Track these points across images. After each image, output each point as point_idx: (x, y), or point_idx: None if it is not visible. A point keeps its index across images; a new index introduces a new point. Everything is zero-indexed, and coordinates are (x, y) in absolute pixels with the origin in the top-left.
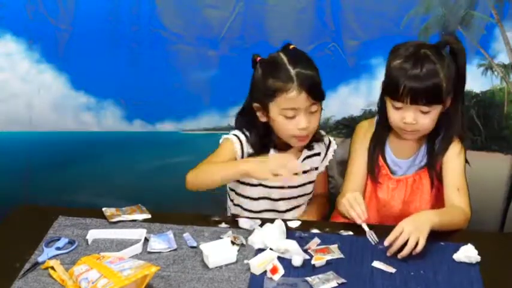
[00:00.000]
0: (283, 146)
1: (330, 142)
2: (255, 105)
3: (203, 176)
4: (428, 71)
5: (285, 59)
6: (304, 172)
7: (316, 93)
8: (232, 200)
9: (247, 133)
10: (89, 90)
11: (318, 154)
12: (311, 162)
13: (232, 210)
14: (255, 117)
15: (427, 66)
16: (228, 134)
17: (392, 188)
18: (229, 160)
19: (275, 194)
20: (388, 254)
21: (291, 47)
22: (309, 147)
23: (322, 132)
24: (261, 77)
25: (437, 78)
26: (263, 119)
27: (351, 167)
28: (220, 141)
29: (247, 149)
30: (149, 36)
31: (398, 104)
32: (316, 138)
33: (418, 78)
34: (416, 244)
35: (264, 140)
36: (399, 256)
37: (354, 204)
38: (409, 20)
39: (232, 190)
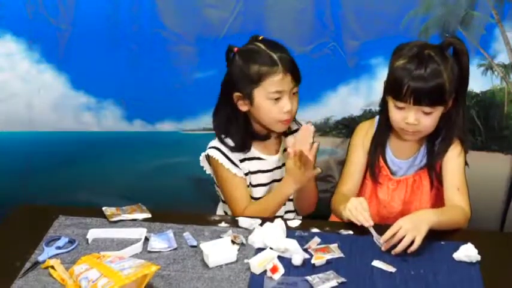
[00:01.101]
0: (262, 138)
1: None
2: (236, 94)
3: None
4: (432, 71)
5: (262, 46)
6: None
7: (297, 76)
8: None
9: (226, 135)
10: (89, 90)
11: None
12: None
13: (224, 208)
14: (234, 111)
15: (431, 66)
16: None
17: (392, 189)
18: (238, 177)
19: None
20: (383, 249)
21: (260, 37)
22: (287, 134)
23: (302, 123)
24: (242, 65)
25: (441, 79)
26: (244, 108)
27: (348, 167)
28: (202, 163)
29: (230, 155)
30: (149, 36)
31: (401, 104)
32: (297, 128)
33: (422, 79)
34: (412, 243)
35: (246, 133)
36: (392, 252)
37: (360, 210)
38: (409, 20)
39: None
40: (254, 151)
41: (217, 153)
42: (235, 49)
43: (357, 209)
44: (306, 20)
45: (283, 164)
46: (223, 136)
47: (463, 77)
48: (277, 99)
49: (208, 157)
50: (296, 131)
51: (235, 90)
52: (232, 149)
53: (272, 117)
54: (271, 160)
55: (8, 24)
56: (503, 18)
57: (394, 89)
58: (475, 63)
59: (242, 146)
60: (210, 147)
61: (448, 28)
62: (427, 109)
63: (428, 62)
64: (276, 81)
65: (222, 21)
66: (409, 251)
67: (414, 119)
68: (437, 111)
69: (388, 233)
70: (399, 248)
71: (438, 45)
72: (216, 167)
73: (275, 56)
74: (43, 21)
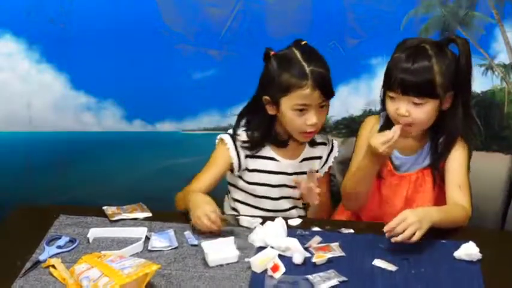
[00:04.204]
0: (280, 143)
1: (332, 148)
2: (265, 98)
3: (179, 203)
4: (420, 64)
5: (298, 54)
6: (303, 173)
7: (328, 92)
8: (229, 193)
9: (247, 128)
10: (89, 90)
11: (319, 158)
12: (311, 165)
13: (232, 204)
14: (262, 110)
15: (420, 60)
16: (225, 132)
17: (395, 185)
18: (222, 164)
19: (275, 193)
20: (386, 235)
21: (303, 42)
22: (312, 144)
23: (329, 137)
24: (275, 71)
25: (429, 72)
26: (272, 112)
27: (353, 161)
28: (216, 141)
29: (242, 149)
30: (149, 36)
31: (392, 94)
32: (323, 142)
33: (408, 71)
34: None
35: (265, 134)
36: (392, 240)
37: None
38: (409, 20)
39: (233, 185)
40: (269, 151)
41: (229, 139)
42: (272, 53)
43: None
44: (305, 19)
45: (297, 173)
46: (241, 124)
47: (461, 75)
48: (302, 110)
49: (220, 139)
50: (321, 144)
51: (265, 93)
52: (243, 143)
53: (295, 127)
54: (285, 163)
55: (8, 24)
56: (503, 18)
57: (386, 79)
58: (475, 63)
59: (255, 144)
60: (227, 133)
61: (448, 28)
62: (416, 100)
63: (418, 55)
64: (303, 95)
65: (222, 20)
66: (407, 242)
67: (405, 109)
68: (429, 104)
69: (392, 223)
70: (399, 238)
71: (438, 41)
72: (218, 147)
73: (307, 69)
74: (43, 21)
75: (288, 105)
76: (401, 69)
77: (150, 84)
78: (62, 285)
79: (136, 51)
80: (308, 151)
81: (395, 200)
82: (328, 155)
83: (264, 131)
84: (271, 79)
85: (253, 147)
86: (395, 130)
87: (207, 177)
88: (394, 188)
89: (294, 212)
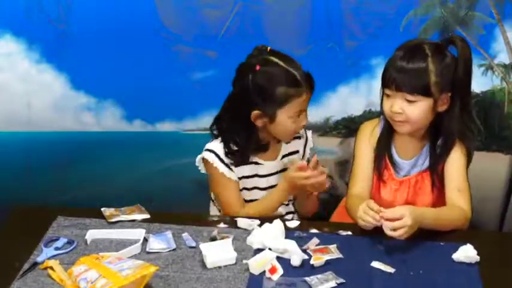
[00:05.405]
0: (262, 148)
1: (306, 139)
2: (256, 112)
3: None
4: (414, 62)
5: (280, 62)
6: (285, 170)
7: (314, 89)
8: (214, 202)
9: (227, 141)
10: (89, 90)
11: (297, 152)
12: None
13: (217, 212)
14: (247, 126)
15: (415, 58)
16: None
17: (395, 189)
18: (228, 178)
19: (263, 194)
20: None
21: (268, 49)
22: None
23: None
24: (266, 86)
25: (423, 70)
26: (260, 124)
27: (356, 168)
28: (197, 163)
29: (226, 159)
30: (149, 37)
31: (388, 91)
32: (297, 136)
33: (402, 68)
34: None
35: (254, 146)
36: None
37: (367, 213)
38: (409, 20)
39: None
40: (251, 156)
41: (212, 156)
42: (258, 67)
43: (364, 214)
44: (304, 21)
45: (281, 170)
46: (230, 145)
47: (459, 77)
48: (299, 116)
49: (203, 159)
50: (295, 138)
51: (255, 107)
52: (232, 159)
53: (289, 133)
54: (268, 165)
55: (8, 24)
56: (503, 18)
57: (382, 76)
58: (475, 63)
59: (245, 159)
60: (206, 150)
61: (447, 29)
62: (409, 97)
63: (414, 54)
64: (301, 102)
65: (221, 21)
66: (390, 234)
67: (399, 107)
68: (423, 103)
69: (388, 215)
70: (389, 234)
71: (439, 41)
72: (211, 170)
73: (298, 76)
74: (43, 21)
75: (285, 115)
76: (396, 66)
77: (150, 84)
78: (60, 286)
79: (136, 52)
80: (285, 148)
81: (396, 204)
82: (305, 148)
83: (251, 143)
84: (264, 94)
85: (242, 160)
86: None
87: (235, 194)
88: (394, 193)
89: (281, 209)
